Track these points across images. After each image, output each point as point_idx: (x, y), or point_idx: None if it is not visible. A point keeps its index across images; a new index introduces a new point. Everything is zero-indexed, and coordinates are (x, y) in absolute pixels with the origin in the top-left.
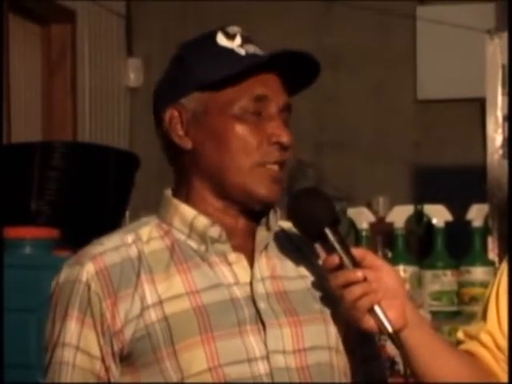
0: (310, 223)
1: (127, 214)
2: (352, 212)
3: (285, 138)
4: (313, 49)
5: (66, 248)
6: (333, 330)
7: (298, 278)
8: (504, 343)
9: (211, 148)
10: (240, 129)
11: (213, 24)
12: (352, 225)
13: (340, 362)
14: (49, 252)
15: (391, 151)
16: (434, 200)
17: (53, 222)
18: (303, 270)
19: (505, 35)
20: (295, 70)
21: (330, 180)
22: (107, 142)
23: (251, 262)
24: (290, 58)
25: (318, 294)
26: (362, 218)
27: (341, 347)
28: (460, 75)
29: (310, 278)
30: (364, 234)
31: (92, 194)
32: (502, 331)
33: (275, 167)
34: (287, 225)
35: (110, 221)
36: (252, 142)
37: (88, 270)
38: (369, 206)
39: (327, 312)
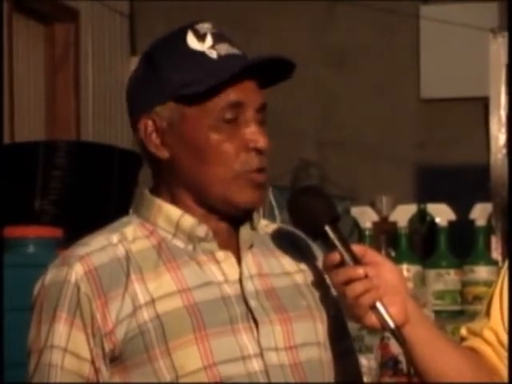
0: (310, 221)
1: (131, 212)
2: (355, 211)
3: (261, 143)
4: (316, 48)
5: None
6: (319, 326)
7: (283, 274)
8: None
9: (189, 158)
10: (216, 138)
11: (216, 23)
12: (355, 224)
13: (328, 357)
14: (52, 251)
15: (394, 150)
16: (437, 199)
17: (56, 221)
18: (288, 267)
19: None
20: (270, 70)
21: (333, 179)
22: (111, 141)
23: (238, 260)
24: (265, 61)
25: (303, 290)
26: (366, 217)
27: (327, 343)
28: (463, 74)
29: (295, 275)
30: (367, 233)
31: (96, 193)
32: (505, 328)
33: (256, 174)
34: (268, 222)
35: (113, 220)
36: (229, 151)
37: (77, 270)
38: (372, 205)
39: (313, 308)
